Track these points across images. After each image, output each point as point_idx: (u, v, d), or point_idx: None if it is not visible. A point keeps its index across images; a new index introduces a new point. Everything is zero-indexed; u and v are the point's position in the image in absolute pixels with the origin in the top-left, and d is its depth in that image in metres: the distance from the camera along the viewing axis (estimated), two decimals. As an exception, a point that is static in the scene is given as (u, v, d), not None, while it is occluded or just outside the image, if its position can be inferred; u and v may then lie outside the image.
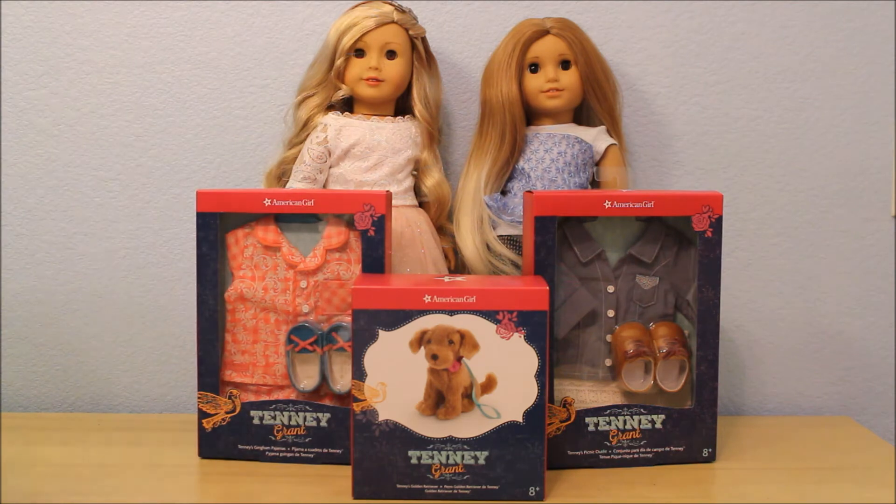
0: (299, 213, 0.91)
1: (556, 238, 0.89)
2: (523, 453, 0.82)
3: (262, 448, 0.91)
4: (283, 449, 0.91)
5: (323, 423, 0.91)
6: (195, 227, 0.91)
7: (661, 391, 0.93)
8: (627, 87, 1.10)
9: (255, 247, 0.93)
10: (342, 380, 0.93)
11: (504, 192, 1.04)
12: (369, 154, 1.01)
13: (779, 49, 1.11)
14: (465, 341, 0.82)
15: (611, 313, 0.93)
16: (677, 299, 0.94)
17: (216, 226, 0.91)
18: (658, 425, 0.91)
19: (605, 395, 0.94)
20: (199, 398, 0.92)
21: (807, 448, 0.97)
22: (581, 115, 1.07)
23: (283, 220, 0.93)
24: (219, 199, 0.91)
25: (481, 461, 0.82)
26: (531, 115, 1.05)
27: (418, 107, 1.04)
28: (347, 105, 1.05)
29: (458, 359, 0.82)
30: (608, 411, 0.90)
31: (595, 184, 1.04)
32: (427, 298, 0.81)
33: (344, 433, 0.90)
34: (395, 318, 0.81)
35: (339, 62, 1.01)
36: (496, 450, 0.82)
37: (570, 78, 1.02)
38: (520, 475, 0.82)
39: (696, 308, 0.91)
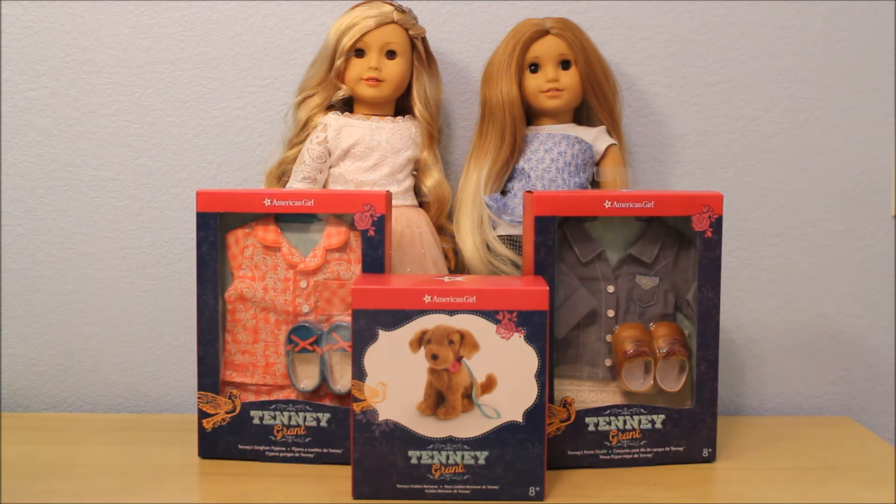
0: (299, 213, 0.91)
1: (556, 238, 0.89)
2: (523, 453, 0.82)
3: (262, 448, 0.91)
4: (283, 449, 0.91)
5: (323, 423, 0.91)
6: (195, 227, 0.91)
7: (661, 391, 0.93)
8: (627, 87, 1.10)
9: (255, 247, 0.93)
10: (342, 380, 0.93)
11: (504, 192, 1.04)
12: (369, 154, 1.01)
13: (779, 49, 1.11)
14: (465, 341, 0.82)
15: (611, 313, 0.93)
16: (677, 299, 0.94)
17: (216, 226, 0.91)
18: (658, 425, 0.91)
19: (605, 395, 0.94)
20: (199, 398, 0.92)
21: (807, 448, 0.97)
22: (581, 115, 1.07)
23: (283, 220, 0.93)
24: (219, 199, 0.91)
25: (481, 461, 0.82)
26: (531, 115, 1.05)
27: (418, 107, 1.04)
28: (347, 105, 1.05)
29: (458, 359, 0.82)
30: (608, 411, 0.90)
31: (595, 184, 1.04)
32: (427, 298, 0.81)
33: (344, 433, 0.90)
34: (395, 318, 0.81)
35: (339, 62, 1.01)
36: (496, 450, 0.82)
37: (570, 78, 1.02)
38: (520, 475, 0.82)
39: (696, 308, 0.91)
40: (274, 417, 0.91)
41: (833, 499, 0.83)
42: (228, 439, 0.92)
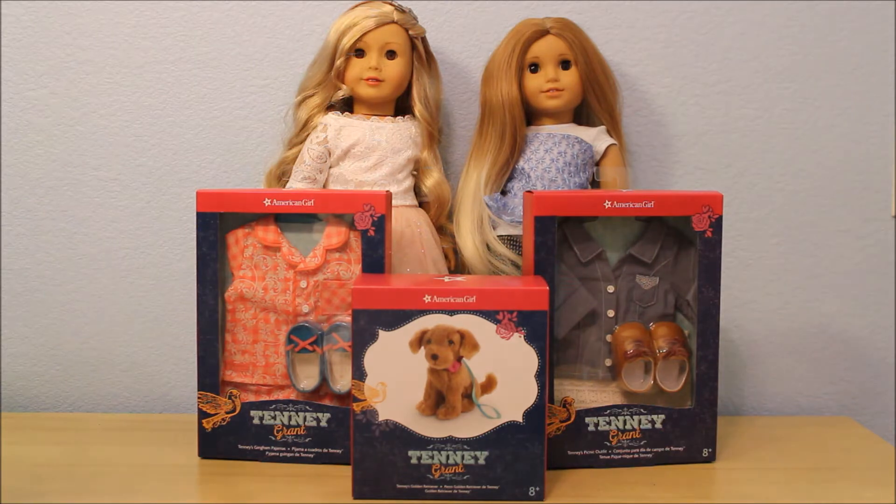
0: (299, 213, 0.91)
1: (556, 238, 0.89)
2: (523, 453, 0.82)
3: (262, 448, 0.91)
4: (283, 449, 0.91)
5: (323, 423, 0.91)
6: (195, 227, 0.91)
7: (661, 391, 0.93)
8: (627, 87, 1.10)
9: (255, 247, 0.93)
10: (342, 380, 0.93)
11: (504, 192, 1.04)
12: (369, 154, 1.01)
13: (779, 49, 1.11)
14: (465, 341, 0.82)
15: (611, 313, 0.93)
16: (677, 299, 0.94)
17: (216, 226, 0.91)
18: (658, 425, 0.91)
19: (605, 395, 0.94)
20: (199, 398, 0.92)
21: (807, 448, 0.97)
22: (581, 115, 1.07)
23: (283, 220, 0.93)
24: (219, 199, 0.91)
25: (481, 461, 0.82)
26: (531, 115, 1.05)
27: (418, 107, 1.04)
28: (347, 105, 1.05)
29: (458, 359, 0.82)
30: (608, 411, 0.90)
31: (595, 184, 1.04)
32: (427, 298, 0.81)
33: (344, 433, 0.90)
34: (395, 318, 0.81)
35: (339, 62, 1.01)
36: (496, 450, 0.82)
37: (570, 78, 1.02)
38: (520, 475, 0.82)
39: (696, 308, 0.91)
40: (274, 417, 0.91)
41: (833, 499, 0.83)
42: (228, 439, 0.92)
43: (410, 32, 1.02)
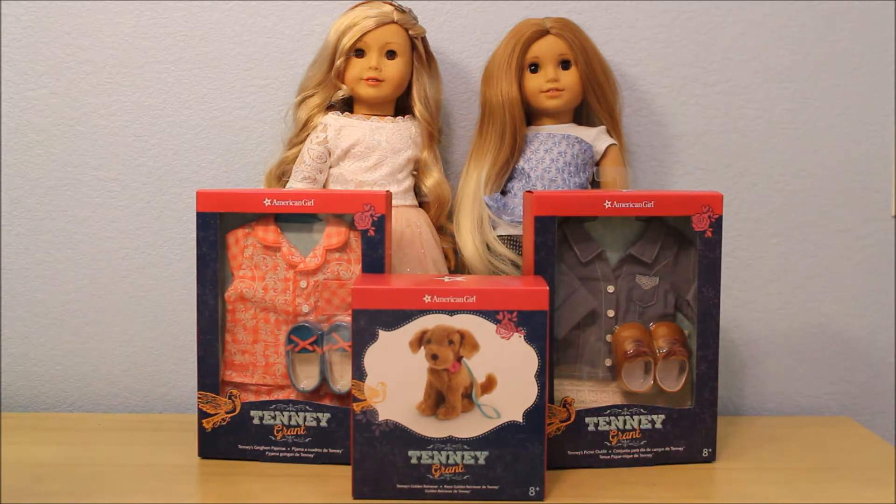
0: (299, 213, 0.91)
1: (556, 238, 0.89)
2: (523, 453, 0.82)
3: (262, 448, 0.91)
4: (283, 449, 0.91)
5: (323, 423, 0.91)
6: (195, 227, 0.91)
7: (661, 391, 0.93)
8: (627, 87, 1.10)
9: (255, 247, 0.93)
10: (342, 380, 0.93)
11: (504, 192, 1.04)
12: (369, 154, 1.01)
13: (779, 49, 1.11)
14: (465, 341, 0.82)
15: (611, 313, 0.93)
16: (677, 299, 0.94)
17: (216, 226, 0.91)
18: (658, 425, 0.91)
19: (605, 395, 0.94)
20: (199, 398, 0.92)
21: (807, 448, 0.97)
22: (581, 115, 1.07)
23: (283, 220, 0.93)
24: (219, 199, 0.91)
25: (481, 461, 0.82)
26: (531, 115, 1.05)
27: (418, 107, 1.04)
28: (347, 105, 1.05)
29: (458, 359, 0.82)
30: (608, 411, 0.90)
31: (595, 184, 1.04)
32: (427, 298, 0.81)
33: (344, 433, 0.90)
34: (395, 318, 0.81)
35: (339, 62, 1.01)
36: (496, 450, 0.82)
37: (570, 78, 1.02)
38: (520, 475, 0.82)
39: (696, 308, 0.91)
40: (274, 417, 0.91)
41: (833, 499, 0.83)
42: (228, 439, 0.92)
43: (410, 32, 1.02)
